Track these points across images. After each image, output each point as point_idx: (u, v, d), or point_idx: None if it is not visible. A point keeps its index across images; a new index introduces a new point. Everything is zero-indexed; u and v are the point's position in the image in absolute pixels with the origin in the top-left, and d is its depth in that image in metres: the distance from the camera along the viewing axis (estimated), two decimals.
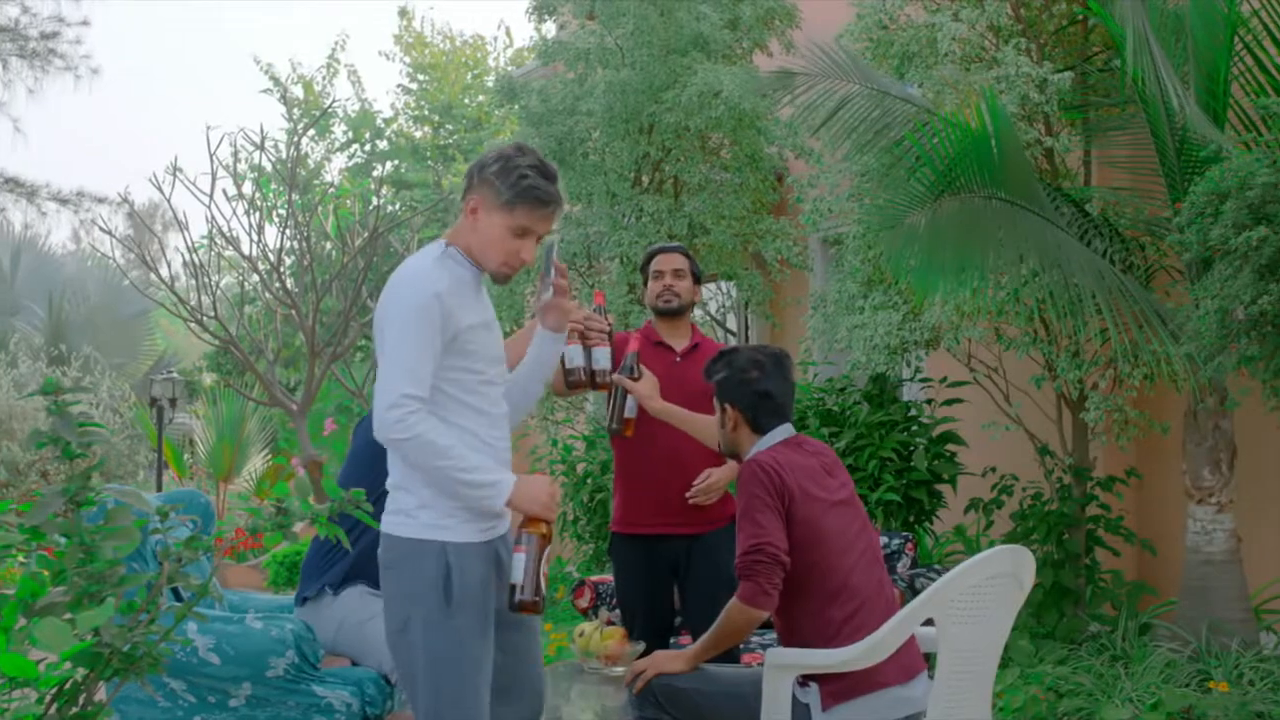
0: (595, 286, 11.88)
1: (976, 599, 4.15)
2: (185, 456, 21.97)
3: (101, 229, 17.47)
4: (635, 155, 11.60)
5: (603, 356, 5.09)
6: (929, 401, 9.55)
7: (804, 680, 4.42)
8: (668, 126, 11.20)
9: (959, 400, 9.31)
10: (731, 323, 14.18)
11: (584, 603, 7.27)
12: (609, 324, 5.15)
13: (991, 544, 9.17)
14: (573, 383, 4.98)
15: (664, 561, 5.93)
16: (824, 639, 4.39)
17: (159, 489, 18.28)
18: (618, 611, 6.55)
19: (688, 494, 5.82)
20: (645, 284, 6.22)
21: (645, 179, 11.87)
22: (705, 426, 5.27)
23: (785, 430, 4.76)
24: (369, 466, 5.33)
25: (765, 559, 4.38)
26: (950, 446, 9.20)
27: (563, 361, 5.12)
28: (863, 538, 4.61)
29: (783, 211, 11.92)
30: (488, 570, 4.02)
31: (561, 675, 5.74)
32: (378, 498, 3.70)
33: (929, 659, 4.50)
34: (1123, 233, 8.37)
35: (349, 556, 5.45)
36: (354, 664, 5.50)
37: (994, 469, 9.31)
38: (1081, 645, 8.10)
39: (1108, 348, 8.27)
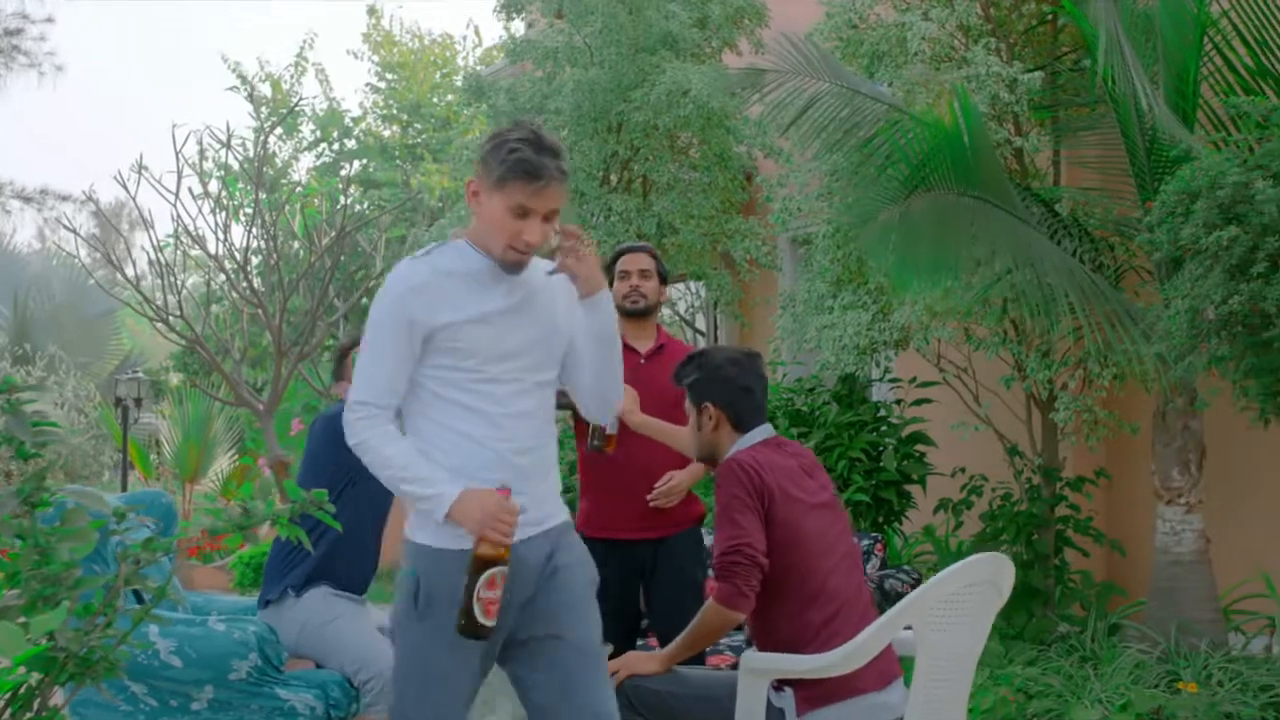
0: None
1: (955, 606, 4.11)
2: (151, 457, 21.82)
3: (66, 227, 17.33)
4: (603, 154, 11.54)
5: None
6: (898, 402, 9.52)
7: (779, 685, 4.36)
8: (636, 125, 11.15)
9: (928, 400, 9.29)
10: (700, 323, 14.14)
11: None
12: None
13: (960, 545, 9.19)
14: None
15: (630, 564, 5.89)
16: (801, 643, 4.33)
17: (124, 489, 18.15)
18: None
19: (649, 496, 5.78)
20: (611, 284, 6.15)
21: (614, 178, 11.81)
22: (684, 437, 5.21)
23: (765, 430, 4.69)
24: (325, 468, 5.28)
25: (743, 560, 4.31)
26: (919, 447, 9.18)
27: None
28: (842, 541, 4.55)
29: (751, 211, 11.87)
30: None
31: None
32: (335, 499, 3.63)
33: (905, 663, 4.45)
34: (1092, 233, 8.34)
35: (311, 558, 5.39)
36: (318, 666, 5.44)
37: (963, 469, 9.28)
38: (1051, 646, 8.08)
39: (1078, 348, 8.25)
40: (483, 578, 3.69)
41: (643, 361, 5.97)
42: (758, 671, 4.28)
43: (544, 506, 3.98)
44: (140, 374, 19.74)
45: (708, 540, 6.88)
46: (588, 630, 4.01)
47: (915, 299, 8.15)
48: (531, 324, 3.95)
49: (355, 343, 5.82)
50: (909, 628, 4.19)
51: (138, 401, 18.91)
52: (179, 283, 15.10)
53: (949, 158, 7.27)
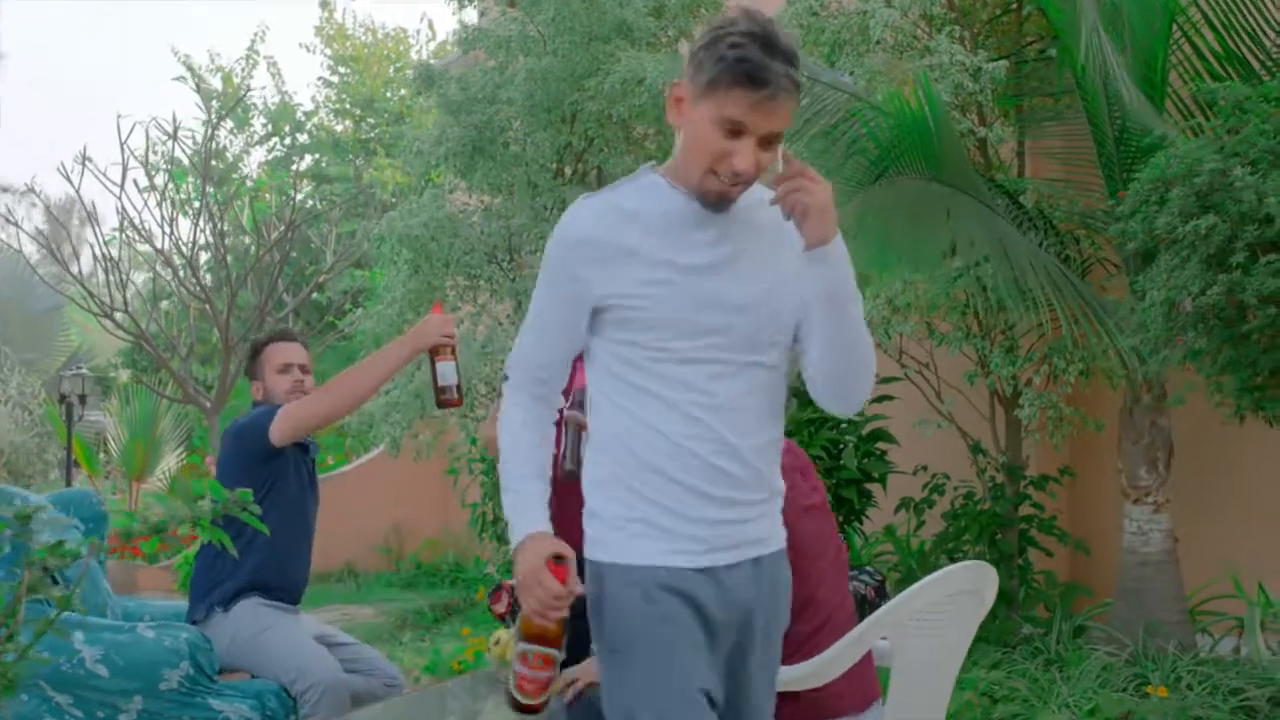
0: (514, 280, 11.57)
1: (934, 617, 3.81)
2: (101, 455, 21.46)
3: (7, 220, 17.00)
4: (557, 145, 11.31)
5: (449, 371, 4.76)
6: None
7: None
8: (590, 115, 10.92)
9: (889, 398, 9.07)
10: None
11: (500, 608, 6.74)
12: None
13: (922, 545, 8.99)
14: (445, 401, 4.64)
15: None
16: (785, 654, 4.03)
17: (68, 487, 17.79)
18: None
19: None
20: None
21: (568, 170, 11.59)
22: None
23: None
24: (237, 481, 5.01)
25: None
26: (880, 445, 8.94)
27: (435, 377, 4.78)
28: (832, 546, 4.26)
29: None
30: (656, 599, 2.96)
31: (477, 686, 5.43)
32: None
33: (881, 674, 4.16)
34: (1057, 226, 8.20)
35: (237, 574, 5.10)
36: (254, 677, 5.15)
37: (925, 467, 9.10)
38: (1015, 648, 7.90)
39: (1043, 342, 8.12)
40: (517, 648, 3.13)
41: None
42: None
43: (756, 529, 3.09)
44: (84, 370, 19.31)
45: None
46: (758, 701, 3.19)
47: (877, 293, 7.96)
48: (741, 284, 2.98)
49: (269, 340, 5.53)
50: (885, 638, 3.90)
51: (82, 399, 18.51)
52: (124, 277, 14.80)
53: (916, 145, 7.10)
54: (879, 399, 9.05)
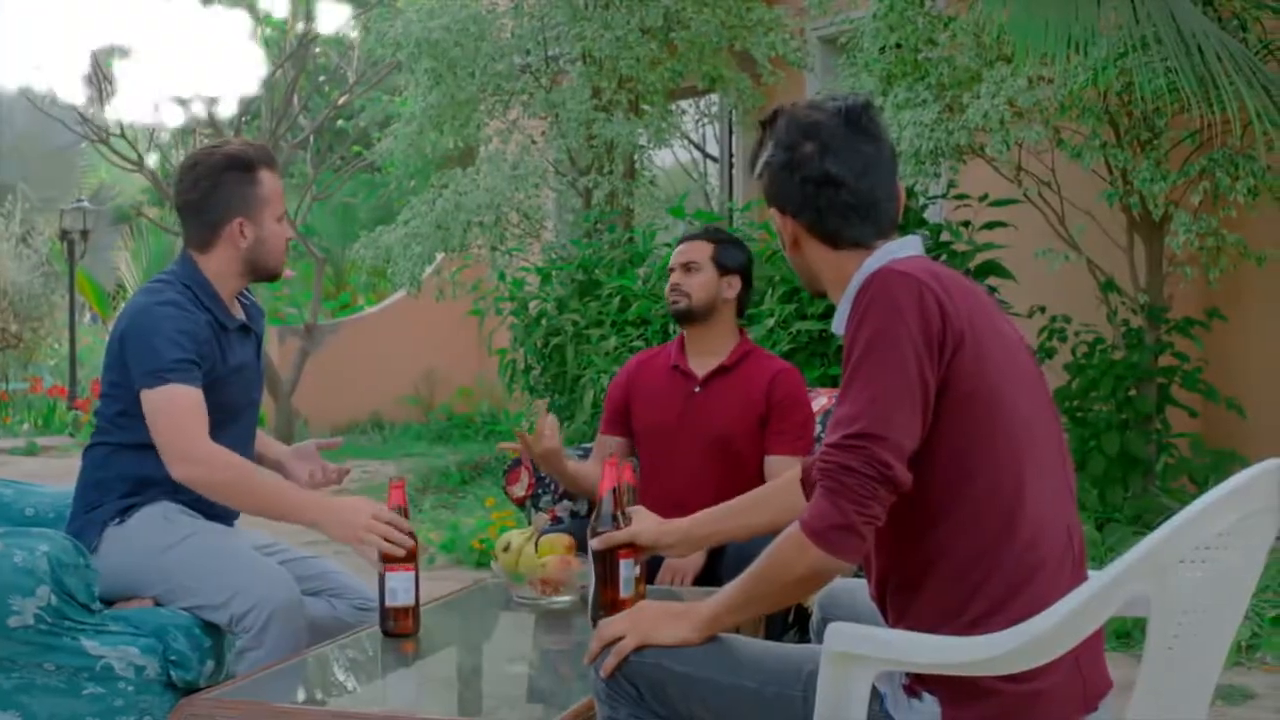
0: (549, 91, 10.08)
1: (1217, 553, 2.23)
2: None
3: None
4: None
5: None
6: (965, 224, 7.74)
7: (913, 685, 2.37)
8: None
9: (1002, 224, 7.54)
10: (710, 143, 12.39)
11: (520, 489, 5.14)
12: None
13: None
14: (390, 630, 3.27)
15: None
16: (980, 600, 2.33)
17: (71, 330, 16.61)
18: (564, 503, 4.76)
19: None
20: None
21: None
22: (751, 518, 3.24)
23: (915, 243, 2.61)
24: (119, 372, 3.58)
25: (868, 469, 2.26)
26: (992, 279, 7.50)
27: (381, 592, 3.30)
28: (1054, 428, 2.53)
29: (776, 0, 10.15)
30: None
31: (480, 606, 3.98)
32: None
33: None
34: (1218, 7, 6.68)
35: (143, 485, 3.58)
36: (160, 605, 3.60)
37: (1043, 309, 7.66)
38: (1155, 529, 6.44)
39: (1200, 154, 6.68)
40: None
41: (697, 390, 4.32)
42: (858, 659, 2.26)
43: None
44: (85, 204, 17.90)
45: None
46: None
47: (1003, 79, 6.47)
48: None
49: (264, 162, 3.80)
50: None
51: (84, 234, 17.10)
52: (109, 90, 13.44)
53: None
54: (990, 224, 7.59)
